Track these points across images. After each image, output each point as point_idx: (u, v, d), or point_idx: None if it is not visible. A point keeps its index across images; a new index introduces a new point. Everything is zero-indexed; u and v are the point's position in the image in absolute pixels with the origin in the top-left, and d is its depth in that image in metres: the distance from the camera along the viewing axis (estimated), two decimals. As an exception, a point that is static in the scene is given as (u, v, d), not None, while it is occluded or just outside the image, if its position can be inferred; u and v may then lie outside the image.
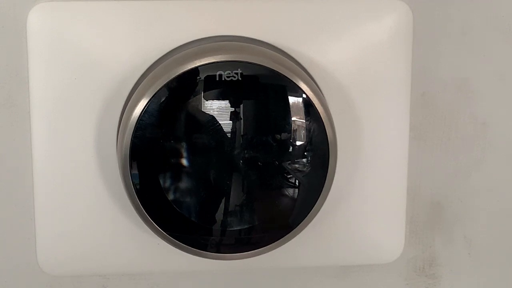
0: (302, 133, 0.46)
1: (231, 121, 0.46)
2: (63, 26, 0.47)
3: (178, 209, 0.47)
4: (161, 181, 0.46)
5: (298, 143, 0.47)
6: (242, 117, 0.46)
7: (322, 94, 0.48)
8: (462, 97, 0.53)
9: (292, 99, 0.46)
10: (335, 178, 0.47)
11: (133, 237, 0.50)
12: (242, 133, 0.46)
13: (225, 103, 0.46)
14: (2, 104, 0.49)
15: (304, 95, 0.46)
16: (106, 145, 0.48)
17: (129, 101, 0.46)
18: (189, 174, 0.46)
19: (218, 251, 0.48)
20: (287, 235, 0.48)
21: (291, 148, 0.47)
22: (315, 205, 0.47)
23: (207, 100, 0.46)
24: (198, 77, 0.45)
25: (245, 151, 0.46)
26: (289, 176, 0.47)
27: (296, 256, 0.51)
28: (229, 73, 0.45)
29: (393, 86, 0.49)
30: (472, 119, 0.53)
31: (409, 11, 0.49)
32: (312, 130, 0.46)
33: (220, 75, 0.45)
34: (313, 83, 0.47)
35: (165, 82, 0.45)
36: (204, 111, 0.46)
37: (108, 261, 0.50)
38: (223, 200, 0.47)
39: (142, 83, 0.46)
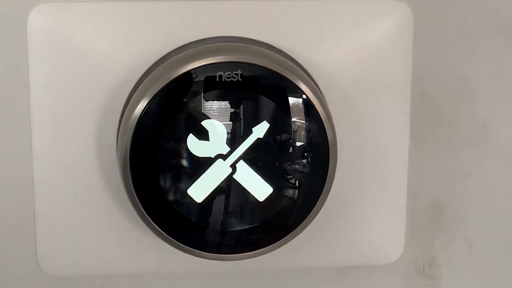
0: (302, 133, 0.46)
1: (231, 122, 0.46)
2: (64, 27, 0.47)
3: (178, 210, 0.47)
4: (161, 182, 0.46)
5: (298, 144, 0.47)
6: (242, 117, 0.46)
7: (322, 95, 0.48)
8: (462, 98, 0.53)
9: (292, 100, 0.46)
10: (335, 179, 0.47)
11: (133, 238, 0.50)
12: (242, 134, 0.46)
13: (225, 104, 0.46)
14: (2, 104, 0.49)
15: (304, 96, 0.46)
16: (106, 146, 0.48)
17: (129, 102, 0.46)
18: (189, 175, 0.46)
19: (218, 252, 0.48)
20: (287, 236, 0.48)
21: (291, 149, 0.47)
22: (315, 206, 0.47)
23: (207, 101, 0.46)
24: (198, 78, 0.45)
25: (245, 152, 0.46)
26: (289, 177, 0.47)
27: (296, 257, 0.51)
28: (229, 74, 0.45)
29: (393, 87, 0.49)
30: (472, 120, 0.53)
31: (409, 11, 0.49)
32: (312, 131, 0.46)
33: (220, 76, 0.45)
34: (313, 84, 0.47)
35: (165, 83, 0.45)
36: (204, 112, 0.46)
37: (108, 261, 0.50)
38: (223, 201, 0.47)
39: (142, 83, 0.46)
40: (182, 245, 0.47)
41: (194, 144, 0.46)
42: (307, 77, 0.47)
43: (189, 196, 0.46)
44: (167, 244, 0.47)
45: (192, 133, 0.46)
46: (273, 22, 0.48)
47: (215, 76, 0.45)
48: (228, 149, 0.46)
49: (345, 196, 0.50)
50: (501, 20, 0.52)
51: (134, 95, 0.46)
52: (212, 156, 0.46)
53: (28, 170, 0.49)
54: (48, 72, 0.47)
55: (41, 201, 0.49)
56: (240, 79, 0.45)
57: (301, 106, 0.46)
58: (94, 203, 0.49)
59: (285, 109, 0.46)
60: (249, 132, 0.46)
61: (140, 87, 0.46)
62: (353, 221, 0.51)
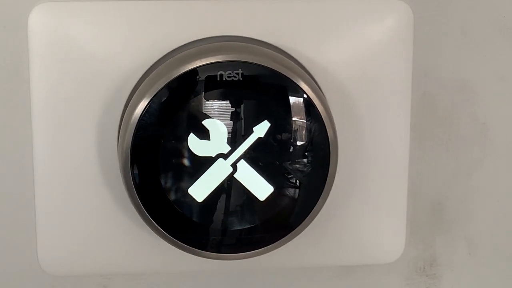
0: (303, 133, 0.46)
1: (231, 121, 0.46)
2: (64, 26, 0.47)
3: (179, 209, 0.47)
4: (162, 181, 0.46)
5: (299, 143, 0.47)
6: (242, 117, 0.46)
7: (323, 94, 0.48)
8: (463, 97, 0.53)
9: (293, 99, 0.46)
10: (336, 178, 0.47)
11: (134, 237, 0.50)
12: (242, 133, 0.46)
13: (225, 103, 0.46)
14: (3, 104, 0.49)
15: (305, 95, 0.46)
16: (107, 145, 0.48)
17: (130, 101, 0.46)
18: (190, 174, 0.46)
19: (218, 251, 0.48)
20: (287, 235, 0.48)
21: (291, 148, 0.47)
22: (316, 205, 0.47)
23: (207, 100, 0.46)
24: (198, 77, 0.45)
25: (246, 151, 0.46)
26: (290, 176, 0.47)
27: (297, 256, 0.51)
28: (230, 73, 0.45)
29: (394, 86, 0.49)
30: (472, 119, 0.53)
31: (409, 11, 0.49)
32: (312, 130, 0.46)
33: (221, 75, 0.45)
34: (314, 83, 0.47)
35: (166, 82, 0.45)
36: (204, 111, 0.46)
37: (109, 261, 0.50)
38: (224, 200, 0.47)
39: (143, 83, 0.46)
40: (183, 244, 0.47)
41: (195, 144, 0.46)
42: (308, 76, 0.47)
43: (190, 195, 0.46)
44: (168, 244, 0.47)
45: (193, 133, 0.46)
46: (274, 21, 0.48)
47: (216, 75, 0.45)
48: (229, 148, 0.46)
49: (346, 196, 0.50)
50: (501, 19, 0.52)
51: (134, 95, 0.46)
52: (213, 156, 0.46)
53: (29, 170, 0.49)
54: (49, 72, 0.47)
55: (42, 200, 0.49)
56: (240, 79, 0.45)
57: (302, 105, 0.46)
58: (95, 203, 0.49)
59: (286, 108, 0.46)
60: (250, 132, 0.46)
61: (140, 86, 0.46)
62: (353, 221, 0.51)
